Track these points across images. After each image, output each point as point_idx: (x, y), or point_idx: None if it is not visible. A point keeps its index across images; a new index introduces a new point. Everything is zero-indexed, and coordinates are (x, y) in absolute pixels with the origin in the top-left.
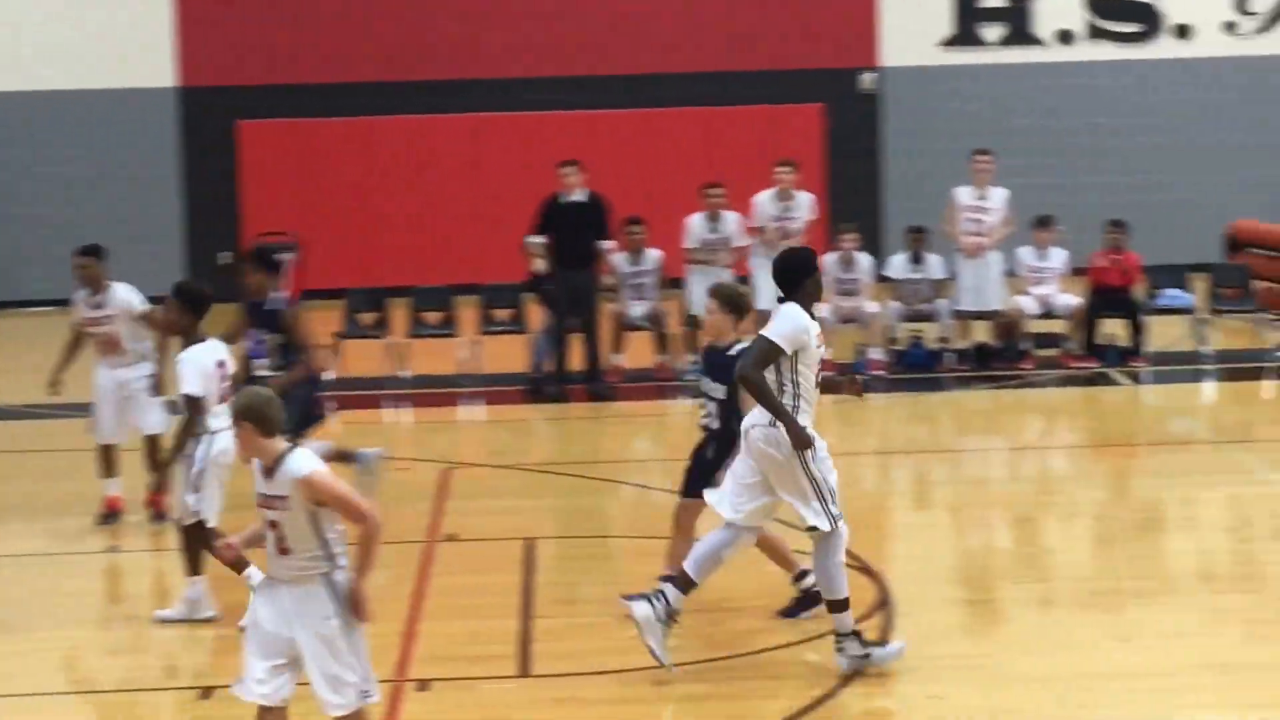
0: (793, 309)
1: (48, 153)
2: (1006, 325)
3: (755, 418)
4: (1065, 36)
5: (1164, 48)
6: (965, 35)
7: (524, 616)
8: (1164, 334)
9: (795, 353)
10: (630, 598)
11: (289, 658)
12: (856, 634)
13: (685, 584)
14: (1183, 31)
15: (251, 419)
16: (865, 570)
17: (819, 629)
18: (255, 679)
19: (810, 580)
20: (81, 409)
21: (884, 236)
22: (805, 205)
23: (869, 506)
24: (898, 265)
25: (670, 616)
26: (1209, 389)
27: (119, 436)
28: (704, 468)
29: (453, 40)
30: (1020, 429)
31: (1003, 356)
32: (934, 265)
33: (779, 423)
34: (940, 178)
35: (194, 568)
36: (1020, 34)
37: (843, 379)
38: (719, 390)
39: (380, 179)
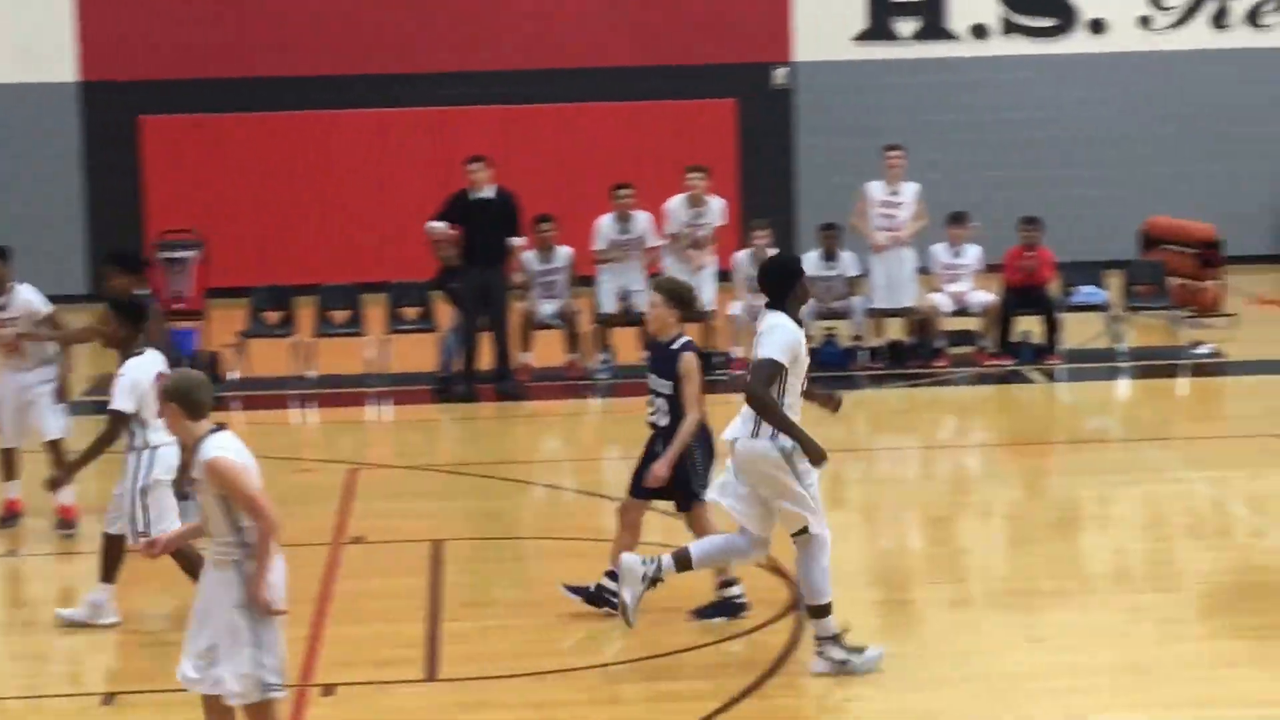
0: (784, 320)
1: None
2: (921, 323)
3: (735, 430)
4: (979, 31)
5: (1079, 43)
6: (879, 30)
7: (432, 619)
8: (1079, 331)
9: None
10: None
11: (213, 643)
12: (838, 638)
13: (682, 563)
14: (1097, 26)
15: (176, 400)
16: (778, 571)
17: (734, 629)
18: (189, 666)
19: (734, 590)
20: None
21: (797, 233)
22: (716, 211)
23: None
24: (811, 262)
25: (654, 581)
26: (1124, 386)
27: (18, 440)
28: (682, 473)
29: (360, 34)
30: (935, 428)
31: (917, 354)
32: (847, 262)
33: (774, 434)
34: (854, 174)
35: (107, 575)
36: (934, 29)
37: (822, 394)
38: (665, 386)
39: (286, 175)
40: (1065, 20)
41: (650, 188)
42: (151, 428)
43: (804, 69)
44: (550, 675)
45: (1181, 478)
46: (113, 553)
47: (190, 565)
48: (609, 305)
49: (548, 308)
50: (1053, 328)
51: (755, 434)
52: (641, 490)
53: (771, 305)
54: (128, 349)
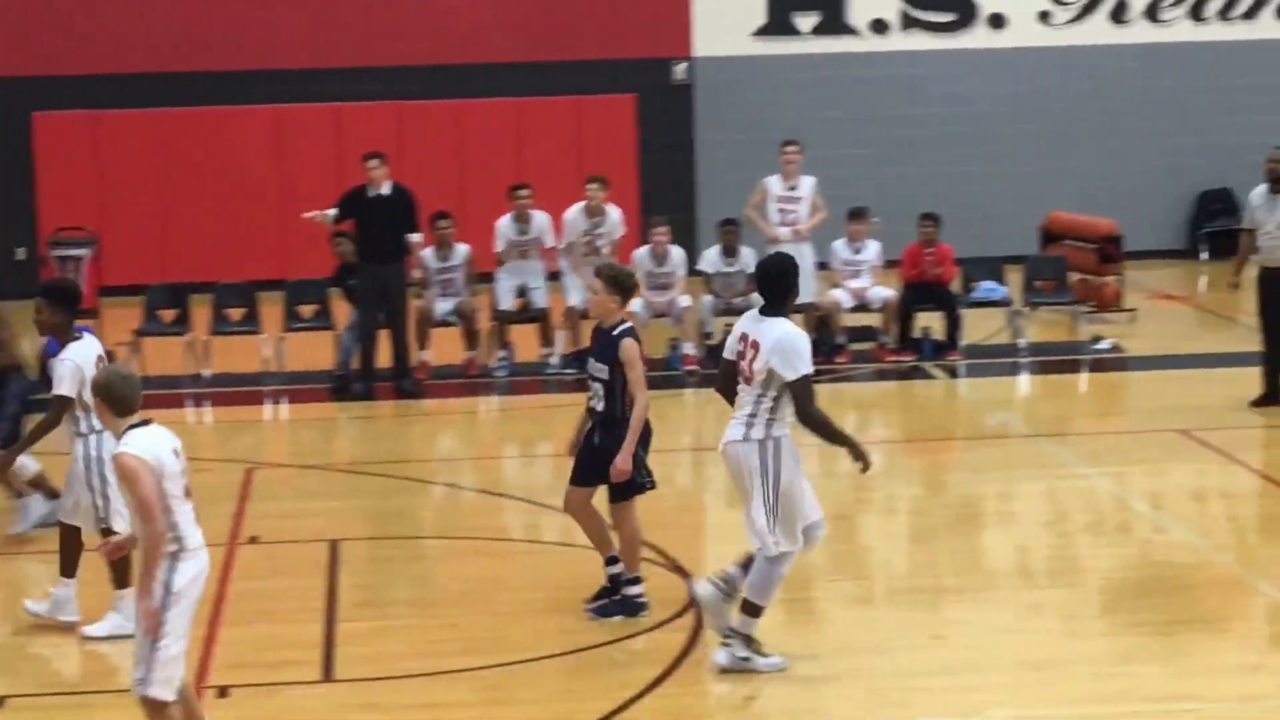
0: (793, 327)
1: None
2: (821, 319)
3: (726, 433)
4: (879, 26)
5: (979, 38)
6: (778, 25)
7: (328, 620)
8: (980, 327)
9: None
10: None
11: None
12: (750, 639)
13: (753, 610)
14: (997, 21)
15: (100, 394)
16: (677, 569)
17: (631, 629)
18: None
19: (636, 590)
20: None
21: (697, 229)
22: (615, 221)
23: (683, 505)
24: (711, 259)
25: (749, 641)
26: (1024, 382)
27: None
28: (593, 453)
29: (255, 30)
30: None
31: (817, 350)
32: (747, 258)
33: (763, 439)
34: (754, 169)
35: (68, 569)
36: (834, 23)
37: None
38: (603, 371)
39: (181, 172)
40: (965, 15)
41: (550, 184)
42: (95, 412)
43: (703, 64)
44: (447, 675)
45: (1082, 473)
46: (71, 545)
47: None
48: (507, 302)
49: (445, 305)
50: (953, 324)
51: (745, 438)
52: (583, 478)
53: (771, 307)
54: (64, 335)
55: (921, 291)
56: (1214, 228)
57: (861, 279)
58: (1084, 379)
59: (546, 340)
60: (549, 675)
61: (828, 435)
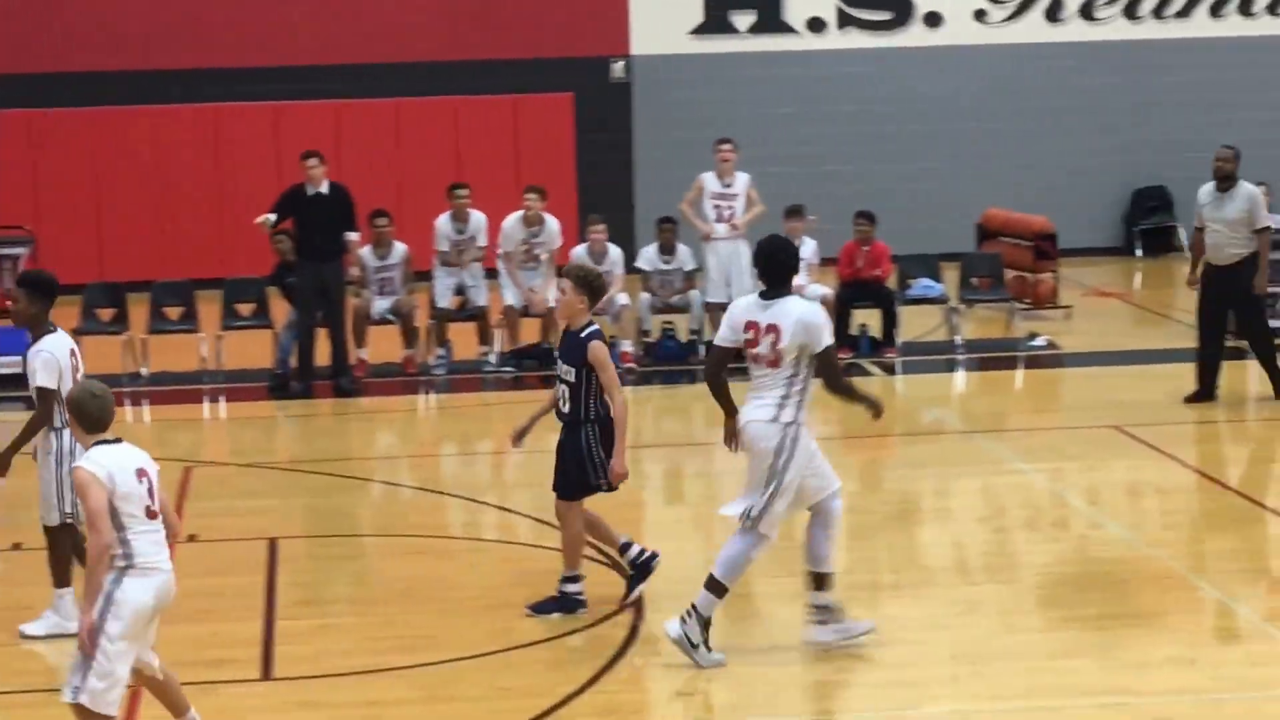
0: (808, 304)
1: None
2: None
3: (751, 413)
4: (816, 24)
5: (915, 36)
6: (716, 23)
7: (266, 618)
8: (916, 324)
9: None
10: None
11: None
12: (707, 624)
13: (716, 589)
14: (933, 19)
15: (73, 411)
16: (615, 565)
17: (570, 626)
18: None
19: (575, 588)
20: None
21: (636, 228)
22: (553, 232)
23: (621, 501)
24: (648, 257)
25: (705, 626)
26: (961, 379)
27: None
28: (571, 462)
29: (192, 28)
30: None
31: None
32: (684, 256)
33: (790, 422)
34: (692, 167)
35: (61, 578)
36: (771, 22)
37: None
38: (570, 373)
39: (118, 170)
40: (901, 13)
41: (488, 183)
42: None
43: (641, 62)
44: (386, 673)
45: (1018, 469)
46: (60, 550)
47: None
48: (445, 300)
49: (383, 303)
50: (890, 321)
51: (773, 419)
52: (591, 482)
53: (775, 289)
54: (39, 327)
55: (858, 289)
56: (1149, 225)
57: (799, 276)
58: (1020, 375)
59: (484, 339)
60: (488, 672)
61: (852, 397)
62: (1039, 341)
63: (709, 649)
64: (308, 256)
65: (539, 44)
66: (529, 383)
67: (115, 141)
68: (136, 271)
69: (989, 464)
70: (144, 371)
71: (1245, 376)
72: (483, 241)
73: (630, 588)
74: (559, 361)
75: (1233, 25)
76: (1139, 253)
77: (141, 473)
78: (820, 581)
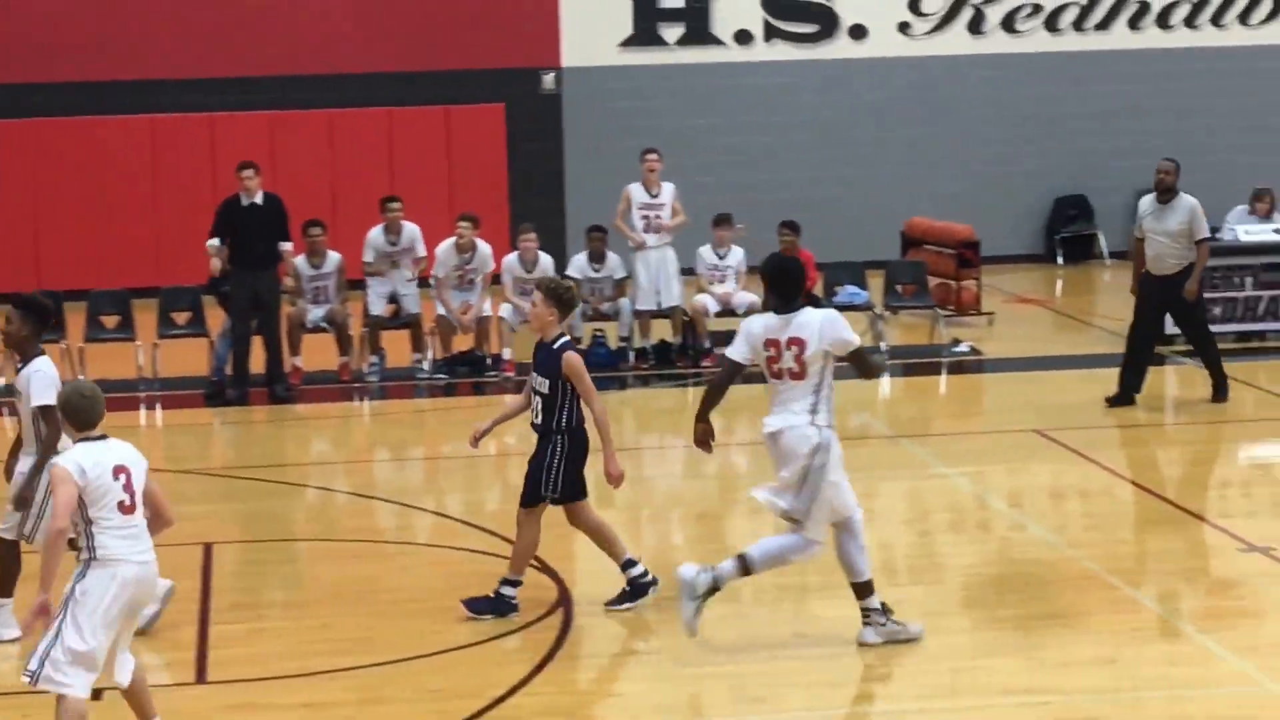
0: (823, 310)
1: None
2: (687, 323)
3: (782, 421)
4: (743, 37)
5: (840, 48)
6: (645, 36)
7: (201, 622)
8: None
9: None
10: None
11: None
12: (714, 590)
13: (744, 568)
14: (858, 32)
15: (63, 409)
16: (545, 569)
17: (502, 628)
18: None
19: (510, 592)
20: None
21: (567, 236)
22: (485, 257)
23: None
24: (579, 265)
25: (711, 591)
26: (885, 384)
27: None
28: (532, 471)
29: (129, 40)
30: None
31: (684, 354)
32: (614, 264)
33: (825, 426)
34: (622, 177)
35: (3, 589)
36: (699, 34)
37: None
38: (545, 385)
39: (54, 181)
40: (827, 26)
41: (421, 193)
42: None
43: (572, 74)
44: (320, 675)
45: (942, 473)
46: (7, 563)
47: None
48: (379, 308)
49: (318, 312)
50: None
51: (812, 423)
52: (565, 495)
53: (789, 304)
54: (30, 349)
55: None
56: (1069, 233)
57: (727, 284)
58: (943, 381)
59: (417, 346)
60: (421, 674)
61: (878, 375)
62: (962, 347)
63: (697, 613)
64: (242, 266)
65: (471, 56)
66: (461, 389)
67: (52, 152)
68: (74, 281)
69: (914, 468)
70: (82, 379)
71: (1164, 381)
72: (421, 252)
73: (619, 601)
74: (533, 373)
75: (1150, 38)
76: (1060, 260)
77: (119, 470)
78: (862, 590)
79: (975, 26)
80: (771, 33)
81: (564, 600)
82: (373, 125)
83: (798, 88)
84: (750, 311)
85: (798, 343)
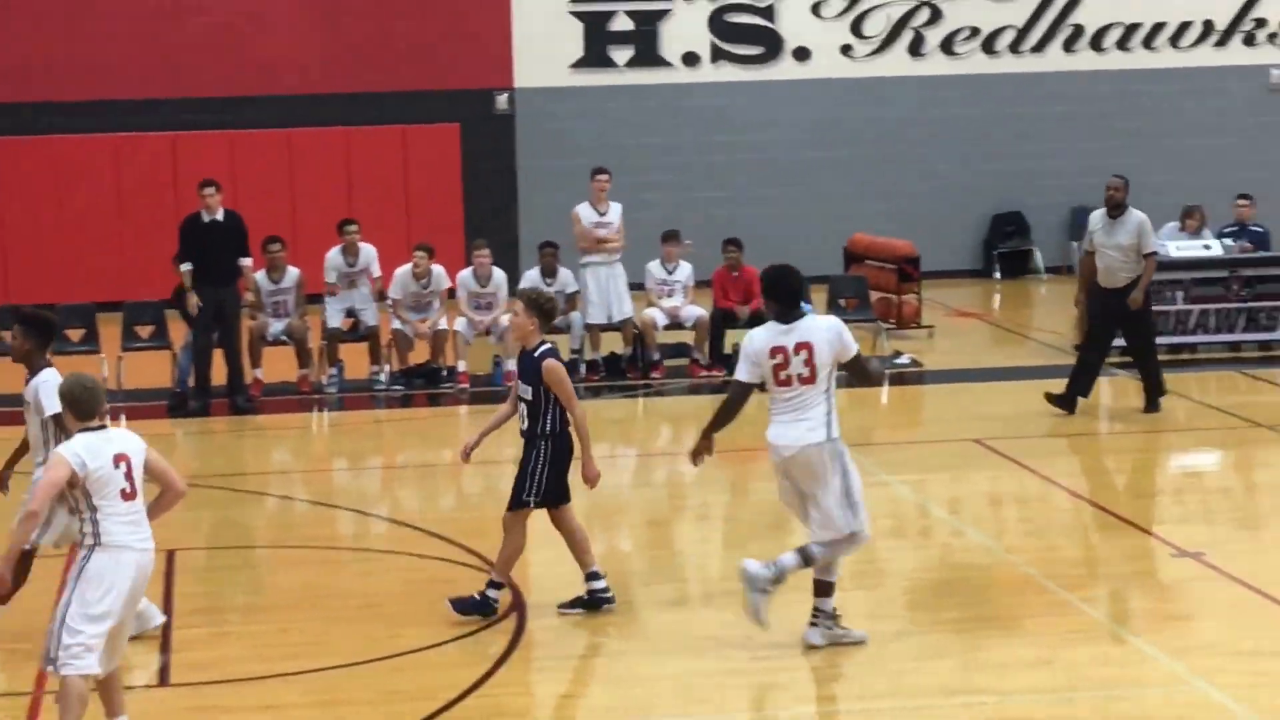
0: (826, 317)
1: None
2: (637, 336)
3: (800, 436)
4: (691, 59)
5: (785, 69)
6: (595, 57)
7: (164, 626)
8: None
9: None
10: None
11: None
12: (779, 579)
13: (808, 559)
14: (802, 54)
15: (65, 400)
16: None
17: (458, 631)
18: None
19: (495, 594)
20: None
21: (520, 252)
22: (440, 279)
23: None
24: (531, 280)
25: (777, 580)
26: None
27: None
28: (520, 475)
29: (93, 60)
30: (651, 436)
31: (634, 366)
32: (566, 279)
33: (835, 438)
34: (574, 195)
35: None
36: (648, 56)
37: None
38: (528, 391)
39: (21, 197)
40: (771, 48)
41: (378, 211)
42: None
43: (524, 95)
44: (278, 678)
45: (884, 481)
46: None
47: None
48: (336, 321)
49: (278, 325)
50: None
51: (829, 438)
52: (547, 498)
53: (792, 311)
54: (36, 361)
55: (732, 312)
56: (1006, 248)
57: (675, 298)
58: (885, 392)
59: (375, 358)
60: (378, 676)
61: (878, 382)
62: (903, 360)
63: (765, 605)
64: (204, 281)
65: (427, 77)
66: (418, 401)
67: (18, 170)
68: (40, 295)
69: None
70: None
71: (1099, 392)
72: (377, 271)
73: (572, 605)
74: (518, 381)
75: (1084, 60)
76: (997, 275)
77: (120, 458)
78: (825, 589)
79: (915, 49)
80: (718, 54)
81: (518, 605)
82: (331, 145)
83: (744, 108)
84: (698, 324)
85: (806, 347)
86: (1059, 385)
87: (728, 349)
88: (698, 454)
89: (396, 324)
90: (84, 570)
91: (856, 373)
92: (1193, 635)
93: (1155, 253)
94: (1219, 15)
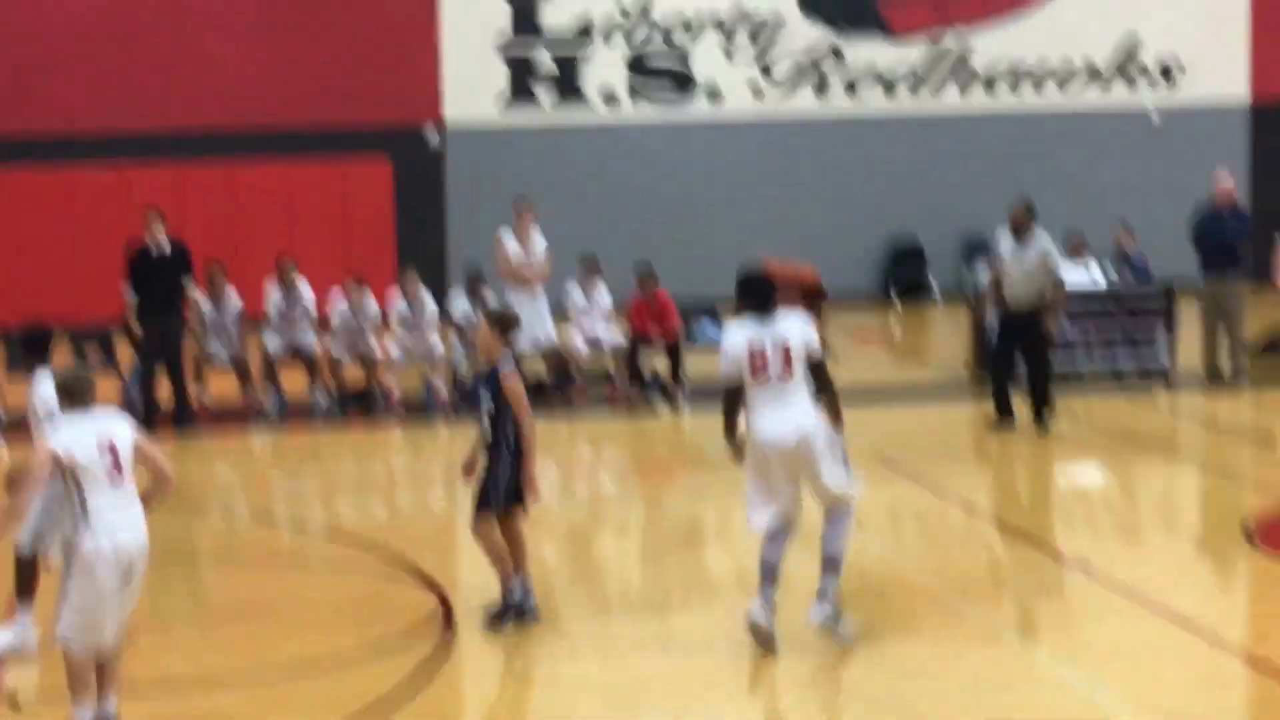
0: (801, 317)
1: None
2: (559, 360)
3: (798, 421)
4: (610, 98)
5: (698, 110)
6: (521, 95)
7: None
8: (700, 365)
9: None
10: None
11: None
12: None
13: (834, 566)
14: (714, 95)
15: (59, 389)
16: (430, 584)
17: (386, 631)
18: None
19: (530, 601)
20: None
21: (449, 279)
22: (372, 308)
23: (436, 528)
24: (461, 309)
25: (837, 607)
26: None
27: None
28: (482, 482)
29: (41, 95)
30: (572, 456)
31: (556, 389)
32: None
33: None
34: (499, 224)
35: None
36: (571, 94)
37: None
38: (492, 406)
39: None
40: (685, 89)
41: (314, 241)
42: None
43: (454, 131)
44: (221, 686)
45: None
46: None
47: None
48: (275, 346)
49: (220, 350)
50: (676, 364)
51: (817, 422)
52: (508, 503)
53: (766, 310)
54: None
55: (648, 338)
56: (904, 276)
57: (594, 323)
58: None
59: (314, 382)
60: (319, 683)
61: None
62: None
63: (848, 620)
64: (151, 308)
65: (360, 112)
66: (355, 422)
67: None
68: None
69: None
70: (0, 415)
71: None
72: (312, 311)
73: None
74: (483, 392)
75: (977, 103)
76: (895, 301)
77: (106, 443)
78: (836, 568)
79: (820, 90)
80: (636, 94)
81: (444, 610)
82: (270, 177)
83: (660, 145)
84: (617, 350)
85: (784, 344)
86: (961, 408)
87: (645, 372)
88: (736, 457)
89: (334, 350)
90: (75, 553)
91: (823, 382)
92: (1079, 640)
93: (1063, 282)
94: (1103, 61)
